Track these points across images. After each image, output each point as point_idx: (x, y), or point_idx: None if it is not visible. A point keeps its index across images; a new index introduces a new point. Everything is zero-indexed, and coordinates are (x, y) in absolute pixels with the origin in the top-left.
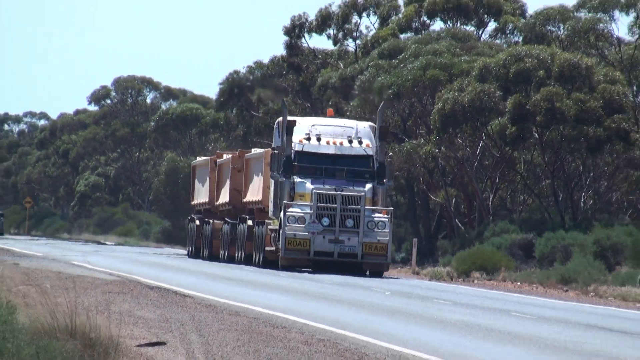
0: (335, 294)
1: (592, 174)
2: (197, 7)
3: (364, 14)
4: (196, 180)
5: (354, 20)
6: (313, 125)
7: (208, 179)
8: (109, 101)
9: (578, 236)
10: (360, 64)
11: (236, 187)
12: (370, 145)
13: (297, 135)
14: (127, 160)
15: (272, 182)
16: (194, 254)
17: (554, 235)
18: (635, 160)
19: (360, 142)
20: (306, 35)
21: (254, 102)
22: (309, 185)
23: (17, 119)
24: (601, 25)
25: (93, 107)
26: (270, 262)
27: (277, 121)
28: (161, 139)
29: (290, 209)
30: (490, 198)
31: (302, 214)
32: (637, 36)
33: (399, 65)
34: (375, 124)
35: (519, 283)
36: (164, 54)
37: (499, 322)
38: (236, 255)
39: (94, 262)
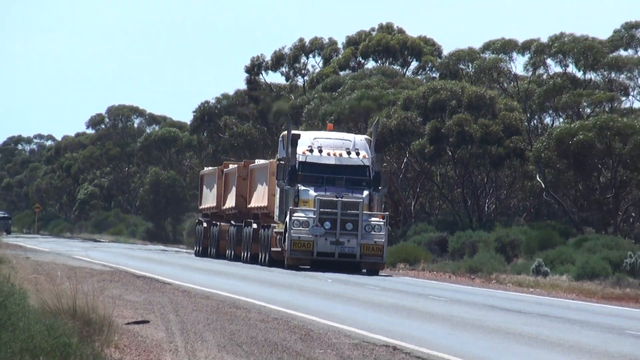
0: (308, 285)
1: (494, 184)
2: (176, 48)
3: (311, 55)
4: (204, 187)
5: (302, 60)
6: (315, 138)
7: (215, 186)
8: (103, 126)
9: (483, 234)
10: (307, 95)
11: (242, 194)
12: (367, 156)
13: (301, 147)
14: (117, 173)
15: (278, 189)
16: (201, 253)
17: (463, 233)
18: (529, 173)
19: (357, 154)
20: (263, 72)
21: (221, 127)
22: (312, 192)
23: (28, 140)
24: (502, 64)
25: (90, 131)
26: (276, 262)
27: (281, 135)
28: (146, 156)
29: (296, 214)
30: (413, 204)
31: (306, 219)
32: (530, 72)
33: (339, 96)
34: (370, 137)
35: (435, 272)
36: (149, 85)
37: (419, 303)
38: (242, 255)
39: (91, 256)
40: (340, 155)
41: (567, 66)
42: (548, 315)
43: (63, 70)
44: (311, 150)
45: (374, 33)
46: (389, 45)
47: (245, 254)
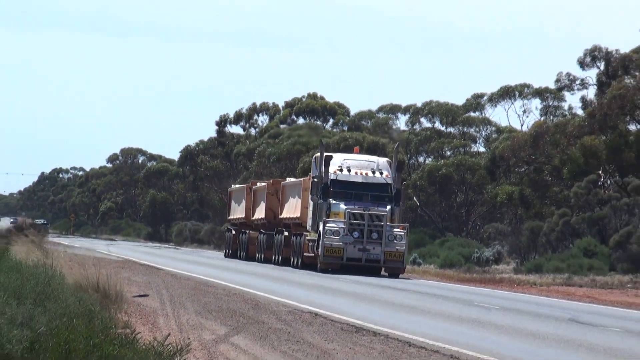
0: (306, 281)
1: None
2: (170, 107)
3: (260, 114)
4: (232, 202)
5: (254, 117)
6: (344, 159)
7: (244, 200)
8: (117, 161)
9: None
10: (258, 142)
11: (270, 207)
12: (389, 175)
13: (332, 167)
14: (127, 194)
15: (311, 203)
16: (231, 255)
17: None
18: (409, 195)
19: (381, 173)
20: (228, 125)
21: (198, 162)
22: (342, 206)
23: (66, 171)
24: (390, 121)
25: (109, 164)
26: (308, 265)
27: (314, 156)
28: (146, 182)
29: (328, 224)
30: None
31: (337, 228)
32: (409, 127)
33: (279, 142)
34: (391, 159)
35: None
36: (150, 131)
37: (333, 283)
38: (273, 258)
39: (109, 250)
40: (366, 174)
41: (434, 122)
42: (421, 292)
43: (89, 118)
44: (341, 170)
45: (304, 99)
46: (314, 107)
47: (277, 257)
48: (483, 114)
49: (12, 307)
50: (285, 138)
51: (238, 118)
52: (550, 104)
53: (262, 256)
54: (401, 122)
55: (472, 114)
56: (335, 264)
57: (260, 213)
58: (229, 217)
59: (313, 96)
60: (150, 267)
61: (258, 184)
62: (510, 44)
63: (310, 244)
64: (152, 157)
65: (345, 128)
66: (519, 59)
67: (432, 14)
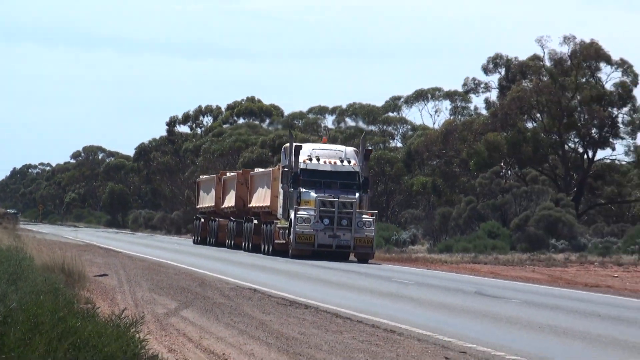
0: (264, 264)
1: None
2: (126, 108)
3: (205, 115)
4: (201, 191)
5: (200, 118)
6: (313, 149)
7: (213, 190)
8: (80, 157)
9: None
10: (203, 139)
11: (241, 196)
12: (356, 164)
13: (302, 157)
14: (89, 187)
15: (282, 192)
16: (200, 242)
17: None
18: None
19: (349, 162)
20: (177, 125)
21: (151, 158)
22: (312, 194)
23: (35, 166)
24: (319, 121)
25: (72, 160)
26: (279, 252)
27: (284, 146)
28: (106, 176)
29: (299, 212)
30: None
31: (308, 216)
32: (336, 126)
33: (222, 140)
34: (358, 148)
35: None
36: (109, 129)
37: (301, 269)
38: (243, 244)
39: (73, 236)
40: (335, 163)
41: (358, 122)
42: (349, 271)
43: (56, 120)
44: (310, 159)
45: (243, 102)
46: (253, 109)
47: (247, 244)
48: (400, 114)
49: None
50: (227, 136)
51: (186, 119)
52: (459, 105)
53: (232, 242)
54: (329, 122)
55: (390, 114)
56: (307, 250)
57: (230, 201)
58: (198, 206)
59: (251, 99)
60: (109, 250)
61: (227, 174)
62: (424, 52)
63: (281, 231)
64: (110, 153)
65: (280, 127)
66: (431, 66)
67: (358, 25)
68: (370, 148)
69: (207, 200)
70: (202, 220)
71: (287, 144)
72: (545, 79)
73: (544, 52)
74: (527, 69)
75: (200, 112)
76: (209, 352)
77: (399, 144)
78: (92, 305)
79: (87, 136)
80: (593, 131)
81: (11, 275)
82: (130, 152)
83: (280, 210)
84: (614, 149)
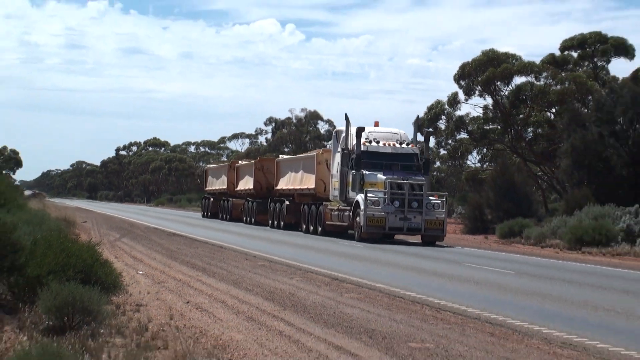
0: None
1: None
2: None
3: (133, 146)
4: (209, 177)
5: (131, 147)
6: (370, 132)
7: (224, 176)
8: (74, 165)
9: None
10: (133, 157)
11: (259, 180)
12: (414, 146)
13: (362, 139)
14: (78, 180)
15: (338, 174)
16: (209, 217)
17: None
18: None
19: (407, 144)
20: (121, 150)
21: (107, 165)
22: (380, 175)
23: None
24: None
25: (70, 167)
26: (329, 233)
27: (335, 130)
28: (89, 175)
29: (370, 195)
30: None
31: (376, 198)
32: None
33: (141, 157)
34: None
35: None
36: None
37: (288, 237)
38: (270, 222)
39: (69, 203)
40: (393, 145)
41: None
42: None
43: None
44: (370, 142)
45: (150, 139)
46: (155, 142)
47: (277, 223)
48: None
49: (24, 227)
50: (144, 155)
51: (124, 147)
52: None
53: (253, 219)
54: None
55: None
56: (377, 233)
57: (246, 185)
58: (207, 189)
59: (154, 139)
60: (89, 210)
61: (239, 162)
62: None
63: (335, 212)
64: (88, 164)
65: (168, 151)
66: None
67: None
68: (430, 130)
69: (217, 184)
70: (212, 199)
71: (339, 128)
72: (293, 128)
73: (292, 115)
74: (286, 124)
75: (131, 144)
76: (134, 257)
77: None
78: (77, 236)
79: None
80: None
81: (38, 222)
82: (98, 163)
83: (335, 193)
84: None
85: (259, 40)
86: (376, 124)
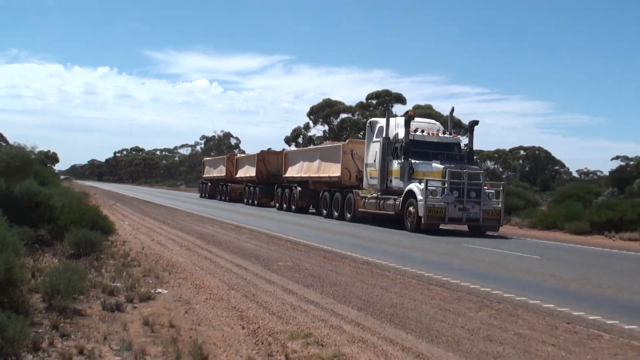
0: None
1: None
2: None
3: (126, 150)
4: (207, 166)
5: (123, 152)
6: (413, 122)
7: (222, 166)
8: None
9: None
10: (124, 156)
11: (260, 169)
12: (456, 135)
13: (405, 129)
14: (97, 170)
15: (377, 163)
16: (208, 197)
17: None
18: None
19: (449, 133)
20: (117, 153)
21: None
22: (437, 165)
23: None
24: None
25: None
26: (359, 219)
27: (369, 121)
28: (105, 165)
29: (430, 185)
30: None
31: (434, 188)
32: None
33: (133, 157)
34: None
35: None
36: (101, 150)
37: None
38: (280, 205)
39: (88, 184)
40: (437, 134)
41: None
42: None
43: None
44: (415, 131)
45: (139, 147)
46: (138, 148)
47: (288, 206)
48: None
49: (58, 197)
50: (130, 156)
51: (119, 152)
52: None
53: (256, 202)
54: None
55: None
56: (436, 224)
57: (246, 173)
58: (204, 176)
59: (137, 147)
60: (98, 187)
61: (239, 155)
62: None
63: (366, 200)
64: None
65: (144, 154)
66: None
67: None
68: (477, 119)
69: (215, 172)
70: (210, 184)
71: (373, 119)
72: (217, 142)
73: (216, 134)
74: (212, 139)
75: (123, 149)
76: (122, 214)
77: None
78: (89, 202)
79: (95, 153)
80: None
81: (66, 194)
82: (104, 160)
83: (373, 182)
84: None
85: (197, 91)
86: (411, 114)
